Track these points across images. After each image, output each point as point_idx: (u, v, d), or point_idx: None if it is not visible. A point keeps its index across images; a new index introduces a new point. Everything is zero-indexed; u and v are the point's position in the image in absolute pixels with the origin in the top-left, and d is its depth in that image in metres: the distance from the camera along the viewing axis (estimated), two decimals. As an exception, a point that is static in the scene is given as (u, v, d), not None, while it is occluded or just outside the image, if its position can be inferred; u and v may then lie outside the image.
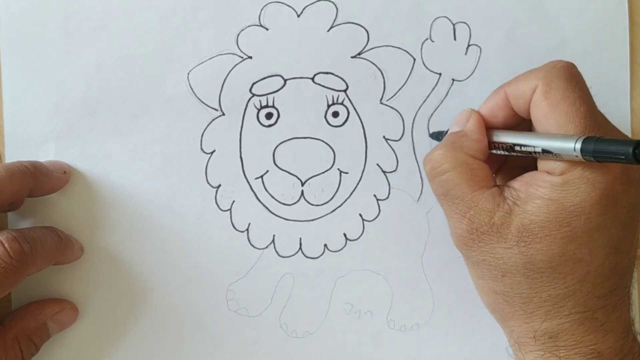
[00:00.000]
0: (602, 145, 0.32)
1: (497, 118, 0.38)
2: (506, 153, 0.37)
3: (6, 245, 0.34)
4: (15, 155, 0.40)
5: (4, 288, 0.34)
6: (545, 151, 0.34)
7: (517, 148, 0.36)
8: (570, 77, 0.35)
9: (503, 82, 0.42)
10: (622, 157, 0.31)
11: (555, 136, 0.34)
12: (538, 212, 0.34)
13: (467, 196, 0.35)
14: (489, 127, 0.38)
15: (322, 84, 0.41)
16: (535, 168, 0.36)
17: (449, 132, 0.39)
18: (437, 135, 0.41)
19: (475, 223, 0.35)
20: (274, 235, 0.41)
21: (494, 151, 0.37)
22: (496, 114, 0.38)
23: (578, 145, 0.32)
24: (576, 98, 0.34)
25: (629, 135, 0.43)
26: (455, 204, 0.36)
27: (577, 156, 0.32)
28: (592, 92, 0.42)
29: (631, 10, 0.43)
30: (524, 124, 0.38)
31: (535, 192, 0.34)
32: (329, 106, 0.42)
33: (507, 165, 0.40)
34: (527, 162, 0.37)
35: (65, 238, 0.38)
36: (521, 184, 0.35)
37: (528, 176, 0.36)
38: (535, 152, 0.35)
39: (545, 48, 0.42)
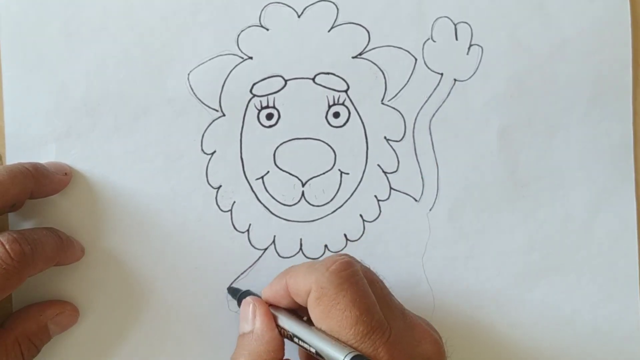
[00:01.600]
0: None
1: (281, 303, 0.37)
2: (290, 341, 0.35)
3: (7, 247, 0.34)
4: (16, 156, 0.40)
5: (4, 289, 0.34)
6: (319, 354, 0.33)
7: (296, 341, 0.35)
8: (342, 281, 0.34)
9: (505, 82, 0.42)
10: None
11: (330, 341, 0.33)
12: None
13: None
14: (276, 308, 0.37)
15: (323, 84, 0.41)
16: None
17: (239, 333, 0.37)
18: (234, 293, 0.40)
19: None
20: (274, 236, 0.41)
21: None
22: (279, 301, 0.37)
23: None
24: (347, 304, 0.33)
25: (631, 135, 0.43)
26: None
27: None
28: (594, 92, 0.42)
29: (633, 10, 0.43)
30: None
31: None
32: (329, 107, 0.41)
33: None
34: None
35: (66, 239, 0.39)
36: None
37: None
38: (311, 352, 0.34)
39: (547, 48, 0.42)
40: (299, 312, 0.37)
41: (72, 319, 0.39)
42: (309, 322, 0.35)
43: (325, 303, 0.33)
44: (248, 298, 0.38)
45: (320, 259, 0.39)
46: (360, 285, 0.34)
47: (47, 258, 0.37)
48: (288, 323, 0.36)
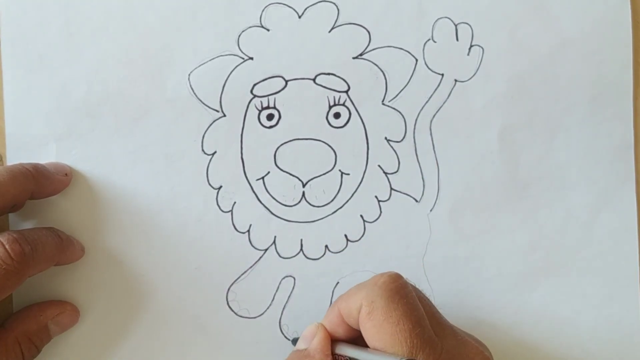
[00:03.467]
0: None
1: (338, 333, 0.37)
2: None
3: (7, 247, 0.34)
4: (16, 157, 0.40)
5: (5, 289, 0.34)
6: None
7: None
8: (393, 294, 0.34)
9: (506, 82, 0.42)
10: None
11: (384, 355, 0.33)
12: None
13: None
14: (335, 340, 0.37)
15: (324, 85, 0.41)
16: None
17: (294, 349, 0.37)
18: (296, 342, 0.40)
19: None
20: (275, 237, 0.41)
21: None
22: (336, 330, 0.37)
23: None
24: (399, 317, 0.33)
25: (631, 135, 0.43)
26: None
27: None
28: (595, 93, 0.42)
29: (634, 11, 0.43)
30: None
31: None
32: (330, 107, 0.41)
33: None
34: None
35: (66, 239, 0.39)
36: None
37: None
38: None
39: (548, 48, 0.42)
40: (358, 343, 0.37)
41: (72, 319, 0.39)
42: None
43: (377, 317, 0.33)
44: (315, 322, 0.37)
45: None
46: (410, 298, 0.34)
47: (48, 258, 0.37)
48: (345, 347, 0.36)
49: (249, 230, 0.41)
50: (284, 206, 0.41)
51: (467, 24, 0.42)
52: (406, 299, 0.34)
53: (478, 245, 0.42)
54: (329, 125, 0.41)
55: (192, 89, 0.41)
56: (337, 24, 0.41)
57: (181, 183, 0.41)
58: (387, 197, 0.42)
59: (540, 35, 0.42)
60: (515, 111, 0.42)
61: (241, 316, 0.41)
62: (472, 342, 0.35)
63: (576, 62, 0.43)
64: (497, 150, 0.42)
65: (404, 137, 0.42)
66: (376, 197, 0.42)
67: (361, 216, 0.42)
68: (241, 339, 0.41)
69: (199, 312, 0.41)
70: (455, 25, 0.42)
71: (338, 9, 0.41)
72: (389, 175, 0.42)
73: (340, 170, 0.42)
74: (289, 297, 0.42)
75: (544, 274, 0.43)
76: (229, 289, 0.41)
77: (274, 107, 0.41)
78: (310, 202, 0.42)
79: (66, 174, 0.39)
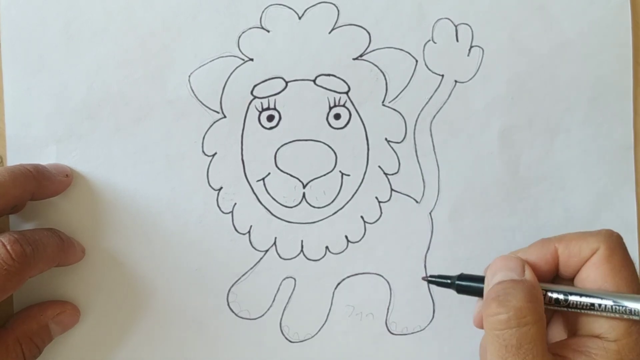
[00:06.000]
0: None
1: (537, 272, 0.37)
2: (554, 308, 0.36)
3: (8, 247, 0.34)
4: (17, 158, 0.40)
5: (6, 290, 0.34)
6: (610, 310, 0.34)
7: (573, 301, 0.35)
8: (626, 250, 0.36)
9: (506, 83, 0.42)
10: None
11: (624, 295, 0.34)
12: None
13: (537, 357, 0.33)
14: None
15: (324, 86, 0.41)
16: (569, 330, 0.36)
17: (497, 282, 0.36)
18: (441, 280, 0.39)
19: None
20: (275, 238, 0.41)
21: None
22: (539, 267, 0.37)
23: None
24: (634, 269, 0.35)
25: (631, 136, 0.43)
26: (521, 358, 0.34)
27: None
28: (595, 93, 0.43)
29: (634, 11, 0.43)
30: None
31: None
32: (330, 108, 0.41)
33: None
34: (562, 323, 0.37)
35: (66, 239, 0.39)
36: (574, 353, 0.34)
37: (575, 343, 0.35)
38: (596, 309, 0.34)
39: (548, 49, 0.42)
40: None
41: (73, 319, 0.39)
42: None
43: (617, 262, 0.35)
44: (509, 254, 0.38)
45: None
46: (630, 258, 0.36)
47: (48, 259, 0.37)
48: (558, 287, 0.36)
49: (249, 232, 0.41)
50: (284, 207, 0.41)
51: (467, 24, 0.42)
52: (630, 258, 0.36)
53: (478, 246, 0.42)
54: (329, 126, 0.41)
55: (192, 90, 0.41)
56: (337, 25, 0.41)
57: (181, 184, 0.41)
58: (387, 198, 0.42)
59: (540, 35, 0.42)
60: (516, 112, 0.42)
61: (242, 317, 0.41)
62: None
63: (576, 62, 0.43)
64: (497, 151, 0.42)
65: (404, 138, 0.42)
66: (376, 197, 0.42)
67: (362, 217, 0.42)
68: (242, 340, 0.41)
69: (200, 314, 0.41)
70: (456, 26, 0.42)
71: (338, 10, 0.41)
72: (389, 176, 0.42)
73: (340, 171, 0.42)
74: (290, 298, 0.42)
75: (544, 274, 0.43)
76: (229, 290, 0.41)
77: (275, 108, 0.41)
78: (310, 203, 0.42)
79: (67, 175, 0.39)
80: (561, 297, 0.35)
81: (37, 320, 0.38)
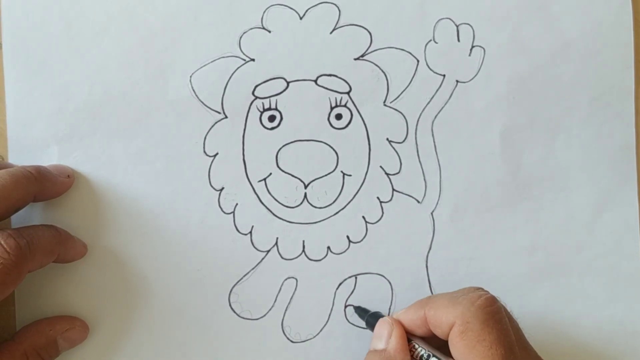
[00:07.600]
0: None
1: (415, 332, 0.37)
2: None
3: (2, 242, 0.34)
4: (18, 159, 0.40)
5: (6, 285, 0.34)
6: None
7: None
8: (488, 318, 0.34)
9: (507, 83, 0.42)
10: None
11: None
12: None
13: None
14: (410, 335, 0.37)
15: (325, 86, 0.41)
16: None
17: (371, 349, 0.38)
18: (361, 312, 0.41)
19: None
20: (277, 238, 0.41)
21: None
22: (414, 330, 0.37)
23: None
24: (492, 341, 0.33)
25: (633, 136, 0.43)
26: None
27: None
28: (596, 93, 0.42)
29: (635, 11, 0.43)
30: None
31: None
32: (332, 108, 0.41)
33: None
34: None
35: (64, 232, 0.38)
36: None
37: None
38: None
39: (549, 49, 0.42)
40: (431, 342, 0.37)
41: (81, 335, 0.39)
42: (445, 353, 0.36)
43: (470, 338, 0.33)
44: (386, 318, 0.38)
45: (459, 291, 0.37)
46: (504, 324, 0.34)
47: (45, 251, 0.36)
48: (425, 347, 0.36)
49: (251, 232, 0.41)
50: (286, 207, 0.41)
51: (468, 24, 0.42)
52: (500, 324, 0.34)
53: (480, 246, 0.42)
54: (330, 127, 0.41)
55: (193, 90, 0.41)
56: (338, 25, 0.41)
57: (183, 185, 0.41)
58: (389, 198, 0.42)
59: (542, 36, 0.42)
60: (517, 112, 0.42)
61: (243, 318, 0.41)
62: None
63: (577, 62, 0.43)
64: (498, 151, 0.42)
65: (405, 138, 0.42)
66: (378, 198, 0.42)
67: (363, 217, 0.42)
68: (243, 340, 0.41)
69: (201, 314, 0.41)
70: (457, 26, 0.42)
71: (339, 10, 0.41)
72: (390, 176, 0.42)
73: (342, 172, 0.42)
74: (291, 298, 0.42)
75: (546, 274, 0.43)
76: (231, 291, 0.41)
77: (276, 109, 0.41)
78: (312, 203, 0.42)
79: (68, 176, 0.39)
80: (424, 354, 0.36)
81: (46, 335, 0.38)
